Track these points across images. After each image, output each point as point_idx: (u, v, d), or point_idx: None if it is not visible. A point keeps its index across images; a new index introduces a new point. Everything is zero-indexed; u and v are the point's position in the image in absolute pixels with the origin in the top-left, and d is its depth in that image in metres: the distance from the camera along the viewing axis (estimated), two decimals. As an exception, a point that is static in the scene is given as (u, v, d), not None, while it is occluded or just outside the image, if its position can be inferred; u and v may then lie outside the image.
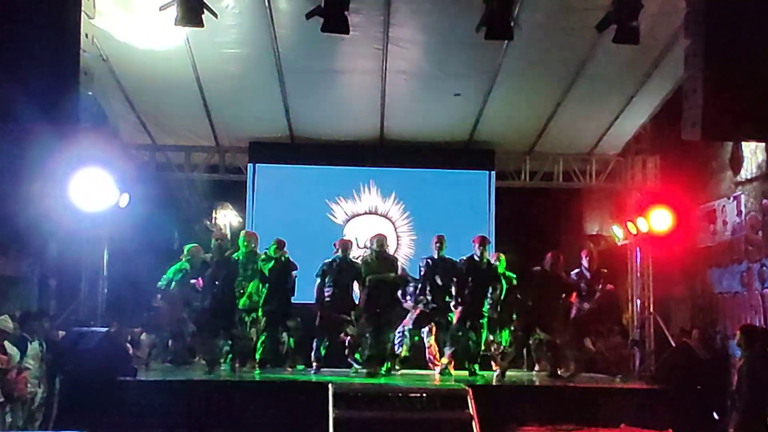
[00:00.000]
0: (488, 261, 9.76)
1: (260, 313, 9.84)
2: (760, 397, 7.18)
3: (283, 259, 9.77)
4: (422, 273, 9.66)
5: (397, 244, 12.05)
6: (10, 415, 8.43)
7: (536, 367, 10.37)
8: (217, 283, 9.39)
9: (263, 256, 9.91)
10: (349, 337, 9.69)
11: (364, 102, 10.88)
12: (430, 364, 9.89)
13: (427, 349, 9.91)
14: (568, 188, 12.93)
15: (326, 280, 9.52)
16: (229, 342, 9.60)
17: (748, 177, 10.90)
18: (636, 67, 9.90)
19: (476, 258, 9.66)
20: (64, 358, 8.46)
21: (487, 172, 12.42)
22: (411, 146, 12.21)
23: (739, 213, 11.15)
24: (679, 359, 8.67)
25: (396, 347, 9.76)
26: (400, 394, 8.04)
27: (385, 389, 8.26)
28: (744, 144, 10.47)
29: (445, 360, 9.74)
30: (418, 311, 9.63)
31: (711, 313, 11.76)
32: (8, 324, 8.62)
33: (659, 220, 10.82)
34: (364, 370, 9.35)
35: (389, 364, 9.46)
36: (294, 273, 9.88)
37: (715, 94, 6.71)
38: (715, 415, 8.79)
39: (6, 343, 8.57)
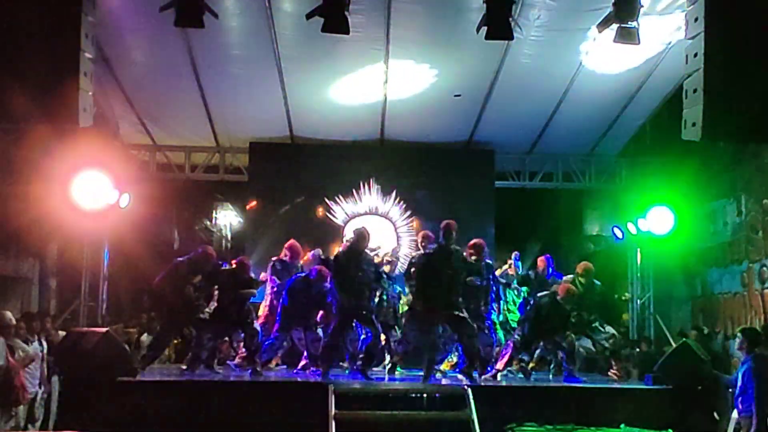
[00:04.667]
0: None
1: None
2: (763, 398, 7.18)
3: None
4: None
5: (398, 244, 12.04)
6: (13, 420, 8.43)
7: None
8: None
9: None
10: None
11: (365, 102, 10.89)
12: None
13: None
14: (568, 188, 12.94)
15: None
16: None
17: (748, 177, 10.92)
18: (636, 67, 9.91)
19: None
20: (64, 358, 8.44)
21: (487, 173, 12.42)
22: (411, 146, 12.22)
23: (739, 213, 11.15)
24: (679, 359, 8.66)
25: None
26: (400, 394, 8.03)
27: (385, 389, 8.25)
28: (744, 144, 10.48)
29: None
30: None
31: (711, 313, 11.77)
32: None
33: (659, 220, 10.82)
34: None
35: None
36: None
37: (715, 94, 6.72)
38: (716, 415, 8.78)
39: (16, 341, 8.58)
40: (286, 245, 10.08)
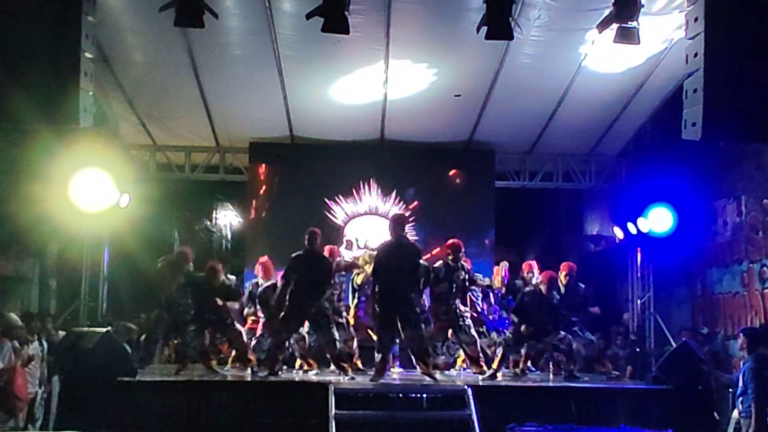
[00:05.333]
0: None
1: None
2: (763, 398, 7.18)
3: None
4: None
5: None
6: (13, 421, 8.43)
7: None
8: None
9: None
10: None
11: (365, 102, 10.88)
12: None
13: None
14: (568, 188, 12.93)
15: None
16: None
17: (749, 176, 10.92)
18: (636, 66, 9.91)
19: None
20: (64, 358, 8.45)
21: (487, 173, 12.41)
22: (411, 146, 12.22)
23: (739, 213, 11.15)
24: (679, 359, 8.66)
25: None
26: (400, 395, 8.04)
27: (385, 389, 8.26)
28: (744, 144, 10.48)
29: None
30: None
31: (711, 313, 11.77)
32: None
33: (659, 220, 10.80)
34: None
35: None
36: None
37: (715, 94, 6.72)
38: (716, 415, 8.78)
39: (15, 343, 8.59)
40: (259, 262, 10.20)
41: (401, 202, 12.27)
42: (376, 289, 8.65)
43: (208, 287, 9.32)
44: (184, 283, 9.46)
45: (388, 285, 8.54)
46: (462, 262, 9.64)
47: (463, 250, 9.67)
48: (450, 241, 9.75)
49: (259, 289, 9.83)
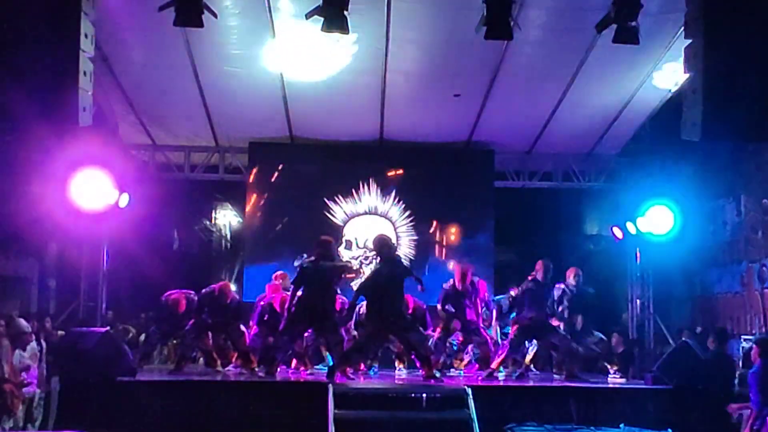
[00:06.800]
0: None
1: None
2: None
3: None
4: None
5: (397, 244, 12.05)
6: (12, 421, 8.41)
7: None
8: None
9: None
10: None
11: (364, 102, 10.88)
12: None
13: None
14: (568, 188, 12.94)
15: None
16: None
17: (748, 176, 10.93)
18: (636, 66, 9.91)
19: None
20: (63, 358, 8.45)
21: (487, 172, 12.41)
22: (411, 146, 12.22)
23: (739, 213, 11.17)
24: (679, 359, 8.67)
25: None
26: (400, 394, 8.04)
27: (385, 389, 8.26)
28: (744, 144, 10.49)
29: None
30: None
31: (711, 312, 11.78)
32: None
33: (659, 219, 10.81)
34: None
35: None
36: None
37: (715, 94, 6.72)
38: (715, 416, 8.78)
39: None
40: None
41: (400, 202, 12.27)
42: (366, 307, 8.86)
43: (216, 306, 9.42)
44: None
45: (378, 306, 8.70)
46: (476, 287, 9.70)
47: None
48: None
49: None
